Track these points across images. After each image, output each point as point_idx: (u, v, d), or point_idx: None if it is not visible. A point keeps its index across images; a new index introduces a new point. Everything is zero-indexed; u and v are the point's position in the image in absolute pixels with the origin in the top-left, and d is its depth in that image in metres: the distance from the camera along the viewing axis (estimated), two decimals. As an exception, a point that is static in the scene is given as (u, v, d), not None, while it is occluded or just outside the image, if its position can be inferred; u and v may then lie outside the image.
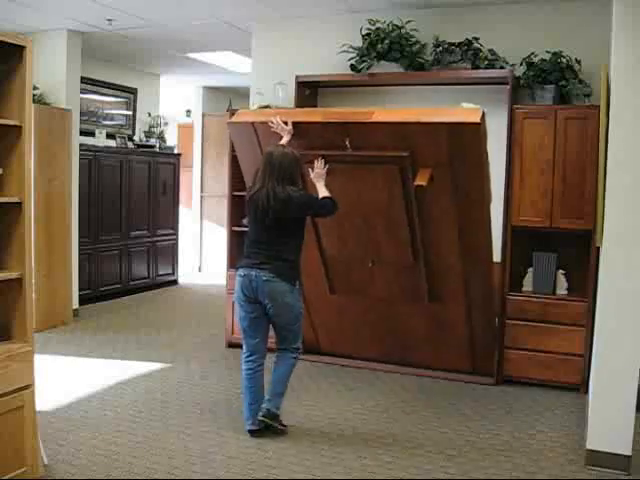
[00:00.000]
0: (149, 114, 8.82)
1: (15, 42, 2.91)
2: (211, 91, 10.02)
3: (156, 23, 6.17)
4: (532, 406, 4.49)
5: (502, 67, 4.92)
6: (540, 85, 4.78)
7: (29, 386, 3.07)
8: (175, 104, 10.29)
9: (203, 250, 10.00)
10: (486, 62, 4.94)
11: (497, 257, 4.69)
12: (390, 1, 5.23)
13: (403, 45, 5.10)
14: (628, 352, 3.42)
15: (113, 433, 3.83)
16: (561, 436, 3.97)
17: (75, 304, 6.74)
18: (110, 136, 7.99)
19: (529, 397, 4.66)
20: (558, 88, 4.75)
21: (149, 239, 8.37)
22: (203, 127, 9.90)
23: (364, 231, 4.53)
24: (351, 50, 5.27)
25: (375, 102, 5.29)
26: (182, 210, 9.32)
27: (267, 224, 3.76)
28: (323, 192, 3.95)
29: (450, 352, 4.96)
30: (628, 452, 3.45)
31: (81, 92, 6.87)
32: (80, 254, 6.89)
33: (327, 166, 4.06)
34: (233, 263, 5.61)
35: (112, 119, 8.34)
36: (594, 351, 3.73)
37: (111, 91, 8.30)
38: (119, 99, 8.46)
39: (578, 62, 4.78)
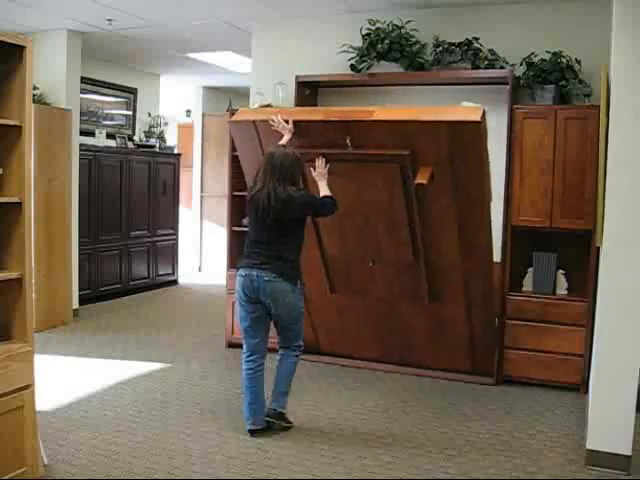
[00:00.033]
0: (149, 114, 8.82)
1: (15, 42, 2.91)
2: (211, 91, 10.02)
3: (156, 23, 6.17)
4: (532, 406, 4.49)
5: (502, 67, 4.92)
6: (540, 85, 4.78)
7: (29, 386, 3.07)
8: (175, 104, 10.29)
9: (203, 250, 10.00)
10: (486, 62, 4.94)
11: (497, 257, 4.69)
12: (390, 1, 5.23)
13: (403, 45, 5.10)
14: (628, 352, 3.42)
15: (113, 433, 3.83)
16: (561, 436, 3.97)
17: (75, 304, 6.74)
18: (110, 136, 7.99)
19: (529, 397, 4.66)
20: (558, 88, 4.75)
21: (149, 239, 8.37)
22: (203, 127, 9.90)
23: (364, 230, 4.53)
24: (351, 50, 5.27)
25: (375, 102, 5.28)
26: (182, 210, 9.32)
27: (268, 224, 3.77)
28: (325, 191, 3.97)
29: (450, 352, 4.96)
30: (628, 452, 3.45)
31: (81, 92, 6.87)
32: (80, 254, 6.89)
33: (328, 165, 4.07)
34: (233, 263, 5.61)
35: (112, 119, 8.34)
36: (594, 351, 3.73)
37: (111, 91, 8.30)
38: (119, 99, 8.46)
39: (578, 62, 4.78)
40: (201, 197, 9.95)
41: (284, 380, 3.95)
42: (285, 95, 5.46)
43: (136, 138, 8.60)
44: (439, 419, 4.22)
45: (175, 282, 8.94)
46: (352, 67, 5.28)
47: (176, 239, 8.94)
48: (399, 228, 4.42)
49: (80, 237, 6.84)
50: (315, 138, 4.24)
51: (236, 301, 3.95)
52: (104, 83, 8.12)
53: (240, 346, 4.07)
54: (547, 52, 4.80)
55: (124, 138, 8.17)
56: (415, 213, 4.32)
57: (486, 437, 3.94)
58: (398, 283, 4.75)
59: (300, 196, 3.79)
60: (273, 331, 3.99)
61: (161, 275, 8.64)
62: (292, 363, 3.97)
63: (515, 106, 4.77)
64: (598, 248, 3.90)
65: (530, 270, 4.93)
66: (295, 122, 4.21)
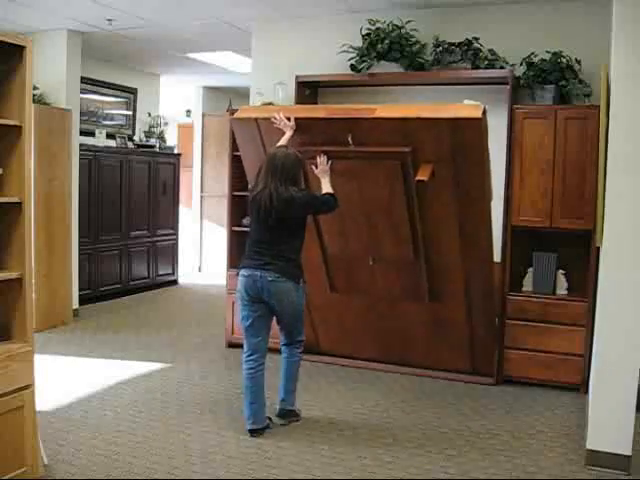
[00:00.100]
0: (149, 114, 8.81)
1: (15, 42, 2.91)
2: (211, 91, 10.02)
3: (156, 23, 6.17)
4: (532, 406, 4.49)
5: (502, 67, 4.92)
6: (540, 85, 4.78)
7: (29, 386, 3.07)
8: (175, 104, 10.29)
9: (203, 250, 10.00)
10: (486, 62, 4.94)
11: (497, 257, 4.69)
12: (390, 1, 5.23)
13: (403, 45, 5.10)
14: (628, 352, 3.42)
15: (113, 433, 3.83)
16: (561, 436, 3.97)
17: (75, 304, 6.74)
18: (110, 136, 7.99)
19: (529, 397, 4.66)
20: (558, 88, 4.75)
21: (149, 239, 8.37)
22: (203, 127, 9.90)
23: (365, 228, 4.54)
24: (351, 50, 5.27)
25: (375, 102, 5.25)
26: (182, 210, 9.32)
27: (270, 224, 3.79)
28: (327, 188, 4.00)
29: (450, 352, 4.96)
30: (628, 452, 3.45)
31: (81, 92, 6.87)
32: (80, 254, 6.89)
33: (330, 162, 4.09)
34: (233, 263, 5.61)
35: (112, 119, 8.34)
36: (594, 351, 3.73)
37: (111, 91, 8.30)
38: (119, 99, 8.46)
39: (578, 62, 4.78)
40: (201, 197, 9.95)
41: (291, 378, 4.06)
42: (285, 95, 5.46)
43: (136, 138, 8.59)
44: (439, 419, 4.22)
45: (175, 282, 8.93)
46: (352, 67, 5.28)
47: (176, 239, 8.94)
48: (400, 225, 4.43)
49: (80, 237, 6.84)
50: (317, 135, 4.25)
51: (238, 301, 3.96)
52: (104, 83, 8.12)
53: (240, 346, 4.07)
54: (547, 52, 4.80)
55: (124, 138, 8.17)
56: (416, 210, 4.33)
57: (486, 437, 3.94)
58: (398, 282, 4.75)
59: (302, 196, 3.82)
60: (274, 331, 4.00)
61: (161, 275, 8.64)
62: (297, 360, 4.08)
63: (515, 106, 4.77)
64: (598, 248, 3.90)
65: (530, 270, 4.93)
66: (297, 119, 4.22)
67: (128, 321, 6.78)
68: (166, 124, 9.05)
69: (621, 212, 3.41)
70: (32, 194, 3.11)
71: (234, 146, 5.43)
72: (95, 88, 7.97)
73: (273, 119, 4.25)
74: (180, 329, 6.50)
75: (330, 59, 5.45)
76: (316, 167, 4.11)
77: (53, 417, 4.01)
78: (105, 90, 8.18)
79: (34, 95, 5.87)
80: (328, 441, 3.83)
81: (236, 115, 4.66)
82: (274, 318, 3.95)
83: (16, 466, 2.99)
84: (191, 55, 7.63)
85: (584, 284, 4.71)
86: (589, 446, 3.53)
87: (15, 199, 3.00)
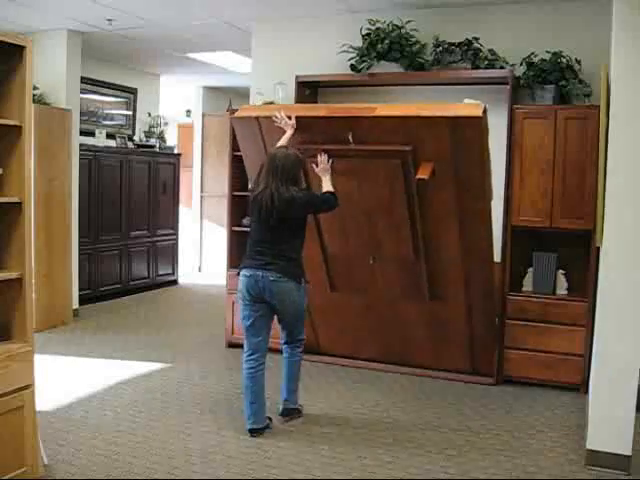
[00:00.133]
0: (149, 114, 8.81)
1: (15, 42, 2.91)
2: (211, 91, 10.02)
3: (156, 23, 6.17)
4: (532, 406, 4.49)
5: (502, 67, 4.92)
6: (540, 85, 4.78)
7: (29, 386, 3.07)
8: (175, 104, 10.29)
9: (203, 250, 9.99)
10: (486, 62, 4.94)
11: (497, 257, 4.68)
12: (390, 1, 5.23)
13: (403, 45, 5.10)
14: (628, 352, 3.42)
15: (113, 433, 3.83)
16: (561, 436, 3.97)
17: (75, 304, 6.74)
18: (110, 136, 7.99)
19: (529, 397, 4.66)
20: (558, 88, 4.75)
21: (149, 239, 8.37)
22: (203, 127, 9.90)
23: (365, 226, 4.54)
24: (351, 50, 5.27)
25: (375, 102, 5.22)
26: (182, 210, 9.32)
27: (271, 224, 3.80)
28: (328, 186, 4.01)
29: (450, 352, 4.96)
30: (628, 452, 3.45)
31: (81, 92, 6.87)
32: (80, 254, 6.89)
33: (331, 161, 4.09)
34: (233, 263, 5.61)
35: (112, 119, 8.34)
36: (594, 351, 3.73)
37: (111, 91, 8.30)
38: (119, 99, 8.46)
39: (578, 62, 4.78)
40: (201, 197, 9.95)
41: (293, 378, 4.10)
42: (285, 95, 5.46)
43: (136, 138, 8.59)
44: (439, 419, 4.22)
45: (175, 282, 8.93)
46: (352, 67, 5.28)
47: (176, 239, 8.94)
48: (400, 224, 4.43)
49: (80, 237, 6.84)
50: (317, 134, 4.25)
51: (239, 300, 3.97)
52: (104, 83, 8.12)
53: (240, 346, 4.07)
54: (547, 52, 4.80)
55: (124, 138, 8.17)
56: (416, 209, 4.33)
57: (486, 437, 3.94)
58: (398, 281, 4.75)
59: (302, 196, 3.84)
60: (274, 331, 4.00)
61: (161, 275, 8.64)
62: (298, 360, 4.10)
63: (515, 106, 4.77)
64: (598, 248, 3.90)
65: (530, 270, 4.93)
66: (298, 118, 4.23)
67: (128, 321, 6.78)
68: (166, 124, 9.05)
69: (621, 212, 3.41)
70: (32, 194, 3.10)
71: (234, 146, 5.43)
72: (95, 88, 7.97)
73: (274, 118, 4.25)
74: (180, 329, 6.50)
75: (330, 59, 5.45)
76: (317, 166, 4.11)
77: (53, 417, 4.01)
78: (105, 90, 8.18)
79: (34, 95, 5.87)
80: (328, 441, 3.83)
81: (237, 114, 4.66)
82: (275, 318, 3.96)
83: (16, 466, 2.99)
84: (191, 55, 7.63)
85: (584, 284, 4.71)
86: (589, 446, 3.53)
87: (15, 199, 3.00)
